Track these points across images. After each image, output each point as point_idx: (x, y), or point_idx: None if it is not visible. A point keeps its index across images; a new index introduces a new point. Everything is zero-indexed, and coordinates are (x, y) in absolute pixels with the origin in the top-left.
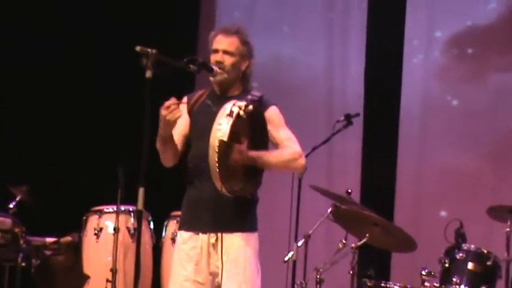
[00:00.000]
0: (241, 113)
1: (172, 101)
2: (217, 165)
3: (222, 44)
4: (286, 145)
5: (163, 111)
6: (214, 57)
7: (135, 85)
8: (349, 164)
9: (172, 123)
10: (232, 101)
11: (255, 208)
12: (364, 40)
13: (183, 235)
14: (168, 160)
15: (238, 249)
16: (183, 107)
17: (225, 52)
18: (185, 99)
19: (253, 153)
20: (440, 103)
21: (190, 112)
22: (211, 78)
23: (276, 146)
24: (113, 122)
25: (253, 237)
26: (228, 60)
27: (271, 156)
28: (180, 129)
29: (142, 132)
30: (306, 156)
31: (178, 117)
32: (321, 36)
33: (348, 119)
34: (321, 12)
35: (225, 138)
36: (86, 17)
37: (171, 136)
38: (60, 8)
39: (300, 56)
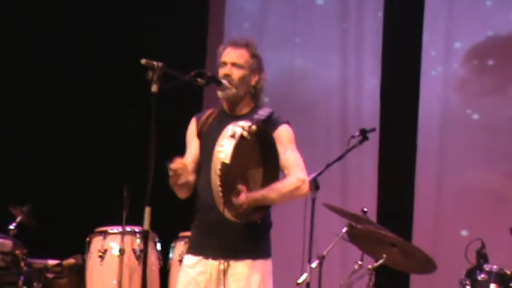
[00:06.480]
0: (245, 133)
1: (178, 163)
2: (220, 189)
3: (231, 56)
4: (290, 172)
5: (170, 171)
6: (222, 71)
7: (142, 101)
8: (364, 181)
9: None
10: (235, 122)
11: (267, 233)
12: (380, 51)
13: (190, 258)
14: (182, 194)
15: (248, 277)
16: (192, 131)
17: (234, 65)
18: (194, 120)
19: (255, 197)
20: (460, 117)
21: (199, 135)
22: (219, 94)
23: (281, 168)
24: (118, 139)
25: (264, 265)
26: (237, 74)
27: (274, 193)
28: (192, 155)
29: (148, 150)
30: (319, 173)
31: (180, 181)
32: (335, 48)
33: (364, 134)
34: (334, 22)
35: (227, 161)
36: (92, 32)
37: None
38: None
39: (313, 68)
